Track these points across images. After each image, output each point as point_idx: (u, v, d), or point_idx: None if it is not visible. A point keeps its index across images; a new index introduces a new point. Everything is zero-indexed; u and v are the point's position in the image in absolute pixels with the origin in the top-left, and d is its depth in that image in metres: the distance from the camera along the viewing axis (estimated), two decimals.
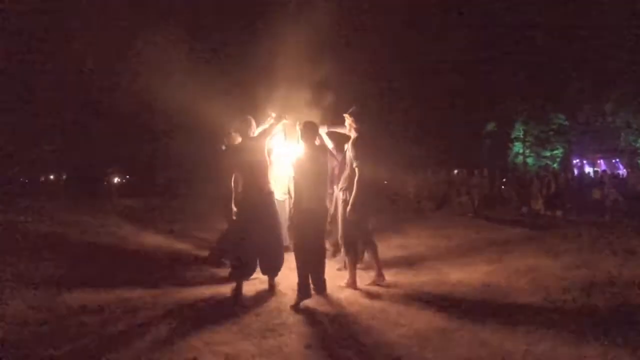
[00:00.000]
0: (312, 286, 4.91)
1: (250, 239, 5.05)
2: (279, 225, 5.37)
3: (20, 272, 5.85)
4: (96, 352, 3.61)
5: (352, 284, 5.35)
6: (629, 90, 21.26)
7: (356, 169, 5.18)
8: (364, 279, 5.73)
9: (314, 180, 4.90)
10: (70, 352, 3.63)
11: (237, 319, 4.35)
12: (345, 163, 5.51)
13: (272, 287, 5.28)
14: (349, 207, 5.18)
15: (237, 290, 4.97)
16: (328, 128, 6.05)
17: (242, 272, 5.12)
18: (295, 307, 4.63)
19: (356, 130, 5.40)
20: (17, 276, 5.63)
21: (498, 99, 23.53)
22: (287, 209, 7.61)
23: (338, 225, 5.55)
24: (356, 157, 5.19)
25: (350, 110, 5.49)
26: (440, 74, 20.23)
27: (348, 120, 5.47)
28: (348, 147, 5.43)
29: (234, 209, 5.21)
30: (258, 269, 5.31)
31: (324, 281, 5.06)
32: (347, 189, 5.30)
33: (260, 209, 5.08)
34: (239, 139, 5.56)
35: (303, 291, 4.80)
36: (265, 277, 5.36)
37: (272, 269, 5.28)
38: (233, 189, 5.18)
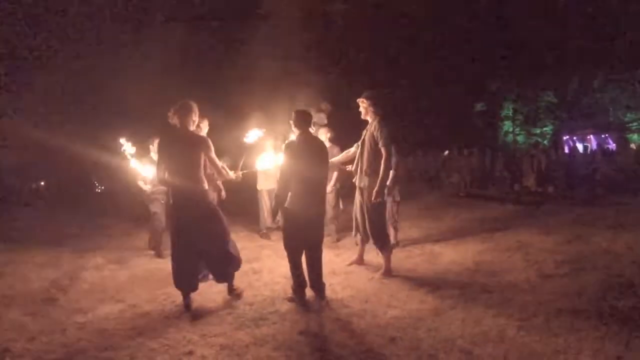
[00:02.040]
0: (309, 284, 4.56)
1: (186, 244, 4.37)
2: (222, 226, 4.54)
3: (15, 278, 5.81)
4: (94, 349, 3.60)
5: (387, 272, 5.21)
6: (615, 66, 21.33)
7: (383, 149, 4.99)
8: (345, 259, 5.96)
9: (313, 174, 4.42)
10: (67, 350, 3.62)
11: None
12: (364, 149, 5.27)
13: (232, 291, 4.70)
14: (375, 190, 4.98)
15: (185, 300, 4.44)
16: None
17: (180, 280, 4.43)
18: (290, 299, 4.52)
19: (375, 113, 5.20)
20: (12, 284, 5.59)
21: (486, 79, 23.50)
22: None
23: (356, 216, 5.43)
24: (382, 137, 5.00)
25: (366, 94, 5.26)
26: (428, 55, 20.13)
27: (364, 104, 5.24)
28: (369, 129, 5.21)
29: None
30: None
31: (323, 285, 4.60)
32: (372, 174, 5.10)
33: (194, 210, 4.34)
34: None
35: (299, 294, 4.46)
36: (262, 268, 5.24)
37: (224, 276, 4.63)
38: (158, 181, 4.62)
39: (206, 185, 4.45)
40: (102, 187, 24.69)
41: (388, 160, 5.00)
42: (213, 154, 4.41)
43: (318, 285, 4.57)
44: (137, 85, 12.73)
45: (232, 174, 4.83)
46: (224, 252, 4.50)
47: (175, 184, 4.36)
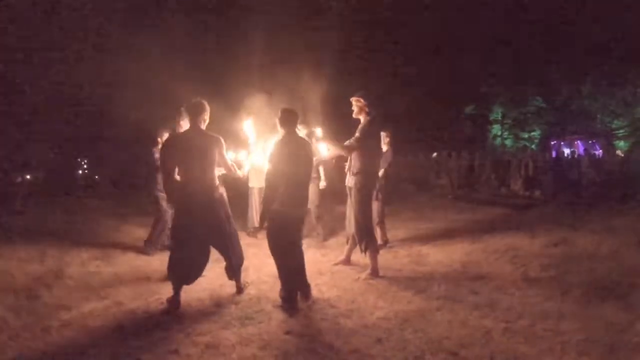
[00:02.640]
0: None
1: (192, 242, 4.36)
2: (231, 225, 4.62)
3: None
4: (77, 347, 3.55)
5: (374, 273, 5.18)
6: (604, 72, 21.60)
7: (354, 139, 5.01)
8: (331, 259, 5.95)
9: (299, 174, 4.37)
10: (50, 347, 3.57)
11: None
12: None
13: (240, 289, 4.73)
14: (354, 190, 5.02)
15: (174, 295, 4.35)
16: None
17: (178, 277, 4.38)
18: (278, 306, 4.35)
19: (367, 114, 5.13)
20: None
21: (477, 83, 23.67)
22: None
23: (349, 218, 5.36)
24: (361, 131, 5.00)
25: (360, 93, 5.16)
26: (418, 57, 20.24)
27: (357, 104, 5.16)
28: (359, 129, 5.16)
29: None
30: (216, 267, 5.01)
31: (308, 287, 4.50)
32: (358, 174, 5.09)
33: (206, 209, 4.35)
34: (185, 127, 4.83)
35: (288, 300, 4.29)
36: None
37: (237, 273, 4.69)
38: (163, 180, 4.64)
39: (217, 181, 4.49)
40: (87, 171, 24.33)
41: (346, 146, 5.06)
42: (225, 153, 4.48)
43: (302, 285, 4.50)
44: (140, 75, 12.61)
45: (239, 172, 4.83)
46: (238, 248, 4.63)
47: (188, 182, 4.36)
